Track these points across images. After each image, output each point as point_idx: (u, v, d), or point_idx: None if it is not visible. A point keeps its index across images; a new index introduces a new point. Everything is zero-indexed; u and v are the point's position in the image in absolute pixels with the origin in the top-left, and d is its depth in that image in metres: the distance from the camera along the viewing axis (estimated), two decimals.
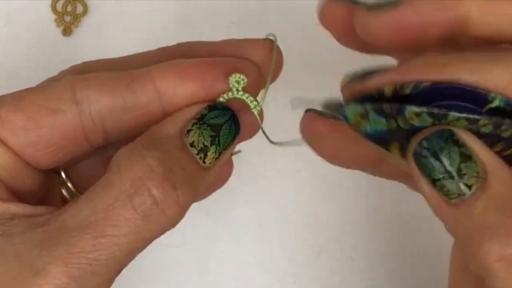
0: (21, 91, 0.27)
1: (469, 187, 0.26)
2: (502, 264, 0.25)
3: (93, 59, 0.30)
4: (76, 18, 0.46)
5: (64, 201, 0.31)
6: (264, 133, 0.30)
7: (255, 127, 0.30)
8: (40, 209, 0.26)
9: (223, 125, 0.27)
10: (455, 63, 0.26)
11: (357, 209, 0.45)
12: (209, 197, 0.32)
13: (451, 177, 0.26)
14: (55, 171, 0.30)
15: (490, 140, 0.27)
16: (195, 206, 0.27)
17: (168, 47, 0.30)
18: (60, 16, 0.46)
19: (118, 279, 0.27)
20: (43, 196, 0.29)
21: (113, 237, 0.25)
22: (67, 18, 0.46)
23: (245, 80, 0.28)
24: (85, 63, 0.30)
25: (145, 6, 0.46)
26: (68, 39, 0.46)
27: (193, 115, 0.27)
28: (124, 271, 0.26)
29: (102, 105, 0.27)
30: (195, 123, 0.27)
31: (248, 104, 0.28)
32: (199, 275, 0.44)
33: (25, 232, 0.25)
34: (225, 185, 0.33)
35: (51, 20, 0.46)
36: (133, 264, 0.27)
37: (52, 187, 0.30)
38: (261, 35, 0.31)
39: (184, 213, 0.26)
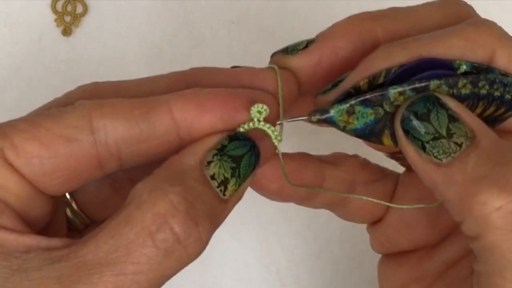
0: (34, 117, 0.26)
1: (459, 145, 0.26)
2: (500, 213, 0.24)
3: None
4: (76, 18, 0.46)
5: (69, 222, 0.30)
6: (283, 168, 0.30)
7: (270, 155, 0.29)
8: (55, 241, 0.25)
9: (244, 156, 0.27)
10: (411, 43, 0.28)
11: None
12: None
13: (441, 137, 0.26)
14: None
15: (471, 102, 0.28)
16: None
17: (181, 72, 0.29)
18: (60, 16, 0.46)
19: None
20: (49, 219, 0.29)
21: (134, 275, 0.24)
22: (67, 18, 0.46)
23: (267, 110, 0.27)
24: (95, 84, 0.29)
25: (145, 6, 0.46)
26: (68, 39, 0.46)
27: (213, 146, 0.26)
28: None
29: (118, 135, 0.26)
30: (216, 154, 0.26)
31: (269, 135, 0.28)
32: (199, 275, 0.44)
33: (42, 267, 0.24)
34: None
35: (51, 20, 0.46)
36: None
37: (57, 208, 0.29)
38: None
39: (205, 247, 0.26)
